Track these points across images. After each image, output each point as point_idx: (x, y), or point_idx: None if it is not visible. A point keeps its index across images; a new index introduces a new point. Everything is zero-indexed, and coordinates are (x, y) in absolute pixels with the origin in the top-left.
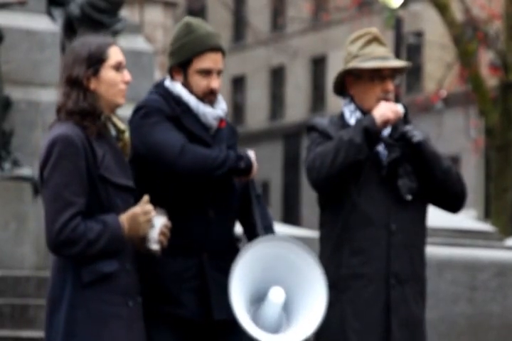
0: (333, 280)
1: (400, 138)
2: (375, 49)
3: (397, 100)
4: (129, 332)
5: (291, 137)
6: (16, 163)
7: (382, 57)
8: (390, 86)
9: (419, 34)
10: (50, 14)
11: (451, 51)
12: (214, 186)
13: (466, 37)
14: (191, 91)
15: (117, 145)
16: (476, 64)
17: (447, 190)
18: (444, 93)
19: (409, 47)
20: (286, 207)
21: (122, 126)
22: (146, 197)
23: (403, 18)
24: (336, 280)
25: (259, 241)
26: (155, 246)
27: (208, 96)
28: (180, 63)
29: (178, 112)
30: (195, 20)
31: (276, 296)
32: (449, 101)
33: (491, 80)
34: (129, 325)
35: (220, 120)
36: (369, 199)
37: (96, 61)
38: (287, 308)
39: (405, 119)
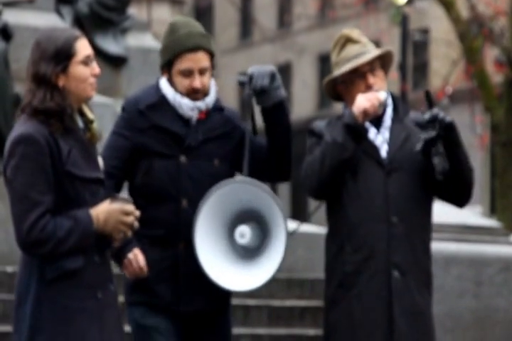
0: (339, 279)
1: (432, 120)
2: (349, 50)
3: (403, 96)
4: (98, 324)
5: (299, 133)
6: None
7: (356, 55)
8: (371, 80)
9: (425, 31)
10: (58, 12)
11: (457, 48)
12: (187, 176)
13: (472, 34)
14: (176, 89)
15: (84, 138)
16: (481, 60)
17: (464, 180)
18: (449, 89)
19: (415, 44)
20: (294, 203)
21: (91, 115)
22: (130, 200)
23: (409, 15)
24: (341, 278)
25: (221, 184)
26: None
27: (192, 95)
28: (164, 64)
29: (153, 102)
30: (182, 20)
31: (240, 237)
32: (455, 98)
33: (496, 77)
34: (98, 317)
35: (201, 112)
36: (370, 195)
37: (64, 57)
38: (265, 235)
39: (430, 104)
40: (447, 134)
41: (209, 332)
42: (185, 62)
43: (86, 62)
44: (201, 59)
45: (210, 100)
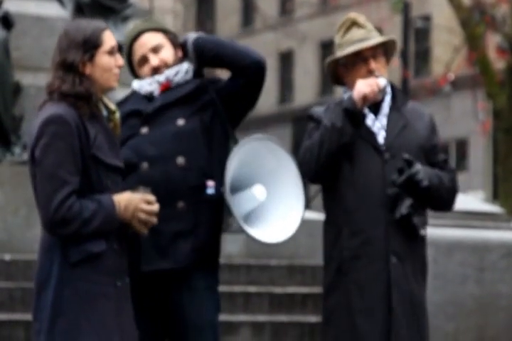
0: (337, 264)
1: (407, 182)
2: (354, 33)
3: (405, 83)
4: (116, 312)
5: (300, 121)
6: (26, 148)
7: (360, 39)
8: (373, 65)
9: (426, 18)
10: (59, 0)
11: (459, 35)
12: (147, 143)
13: (474, 20)
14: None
15: (108, 126)
16: (483, 47)
17: (448, 206)
18: (451, 76)
19: (417, 31)
20: None
21: (113, 106)
22: (150, 191)
23: (411, 2)
24: (339, 263)
25: (253, 138)
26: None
27: (157, 73)
28: (130, 68)
29: (124, 97)
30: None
31: (260, 193)
32: (457, 84)
33: (498, 63)
34: (116, 305)
35: (162, 84)
36: (367, 181)
37: (91, 46)
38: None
39: (409, 162)
40: (425, 195)
41: (181, 288)
42: (136, 52)
43: (111, 52)
44: (147, 40)
45: (170, 72)
